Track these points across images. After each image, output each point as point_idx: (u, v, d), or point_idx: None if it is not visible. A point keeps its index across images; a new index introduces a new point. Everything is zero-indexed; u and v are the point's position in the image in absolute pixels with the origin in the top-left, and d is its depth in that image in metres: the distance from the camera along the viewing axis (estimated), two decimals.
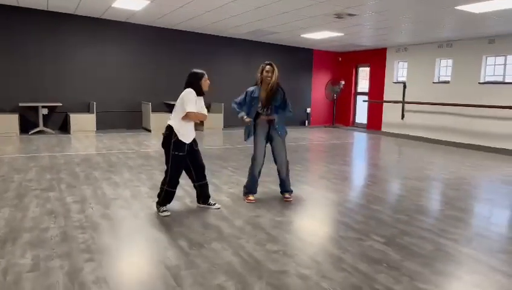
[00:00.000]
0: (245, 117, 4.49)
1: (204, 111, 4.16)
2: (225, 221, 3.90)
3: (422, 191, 5.48)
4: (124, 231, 3.60)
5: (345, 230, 3.74)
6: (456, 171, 6.83)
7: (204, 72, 4.06)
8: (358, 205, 4.67)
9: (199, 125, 11.73)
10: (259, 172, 4.65)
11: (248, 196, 4.61)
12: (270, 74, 4.37)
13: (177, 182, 4.11)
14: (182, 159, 4.04)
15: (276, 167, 4.72)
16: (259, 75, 4.46)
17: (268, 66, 4.41)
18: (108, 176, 5.63)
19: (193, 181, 4.28)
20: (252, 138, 4.61)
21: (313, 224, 4.07)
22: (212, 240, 3.40)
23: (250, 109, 4.51)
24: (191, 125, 4.09)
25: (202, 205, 4.32)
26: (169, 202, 4.14)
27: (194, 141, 4.16)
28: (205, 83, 4.05)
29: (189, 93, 3.95)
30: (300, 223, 4.07)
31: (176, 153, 3.96)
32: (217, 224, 3.81)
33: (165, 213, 4.03)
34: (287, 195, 4.72)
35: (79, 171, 5.84)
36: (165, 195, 4.06)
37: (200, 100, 4.09)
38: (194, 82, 4.01)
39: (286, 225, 3.85)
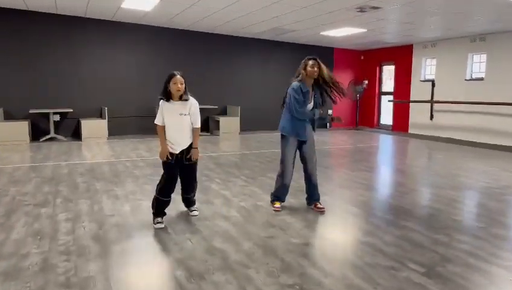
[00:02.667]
0: (317, 111, 4.20)
1: (182, 119, 3.65)
2: (233, 243, 3.36)
3: (459, 203, 4.81)
4: (114, 257, 3.09)
5: (373, 255, 3.15)
6: (497, 178, 6.10)
7: (174, 73, 3.60)
8: (385, 221, 4.05)
9: (215, 129, 11.29)
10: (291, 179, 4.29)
11: (275, 203, 4.32)
12: (316, 68, 4.04)
13: (169, 192, 3.77)
14: (172, 167, 3.72)
15: (303, 173, 4.33)
16: (302, 71, 4.10)
17: (311, 61, 4.06)
18: (111, 187, 5.17)
19: (182, 191, 4.04)
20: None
21: (333, 247, 3.46)
22: (215, 270, 2.86)
23: (303, 107, 4.13)
24: (176, 136, 3.68)
25: (190, 210, 4.11)
26: (162, 212, 3.81)
27: (187, 152, 3.73)
28: (173, 87, 3.57)
29: (160, 104, 3.68)
30: (319, 246, 3.47)
31: (164, 159, 3.70)
32: (223, 248, 3.27)
33: (159, 225, 3.70)
34: (319, 204, 4.29)
35: (80, 183, 5.41)
36: (157, 204, 3.76)
37: (173, 106, 3.63)
38: (164, 86, 3.63)
39: (302, 249, 3.28)
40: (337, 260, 3.14)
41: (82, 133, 9.54)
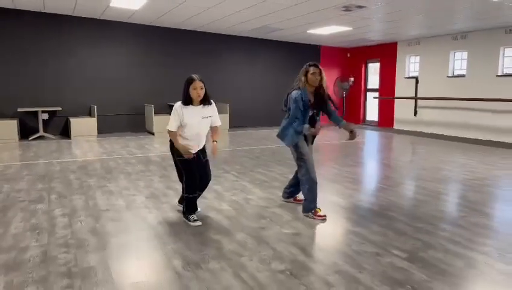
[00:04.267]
0: (309, 128, 3.97)
1: (203, 123, 3.68)
2: (226, 234, 3.50)
3: (441, 194, 5.03)
4: (112, 249, 3.21)
5: (360, 243, 3.32)
6: (477, 171, 6.35)
7: (193, 78, 3.54)
8: (372, 212, 4.24)
9: None
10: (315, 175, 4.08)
11: (316, 211, 3.99)
12: (317, 76, 3.94)
13: (196, 187, 3.78)
14: (191, 162, 3.68)
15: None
16: (302, 77, 3.99)
17: (313, 68, 3.95)
18: (104, 183, 5.27)
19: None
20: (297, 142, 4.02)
21: (322, 236, 3.65)
22: (210, 259, 3.00)
23: (305, 115, 3.96)
24: (196, 138, 3.72)
25: (180, 205, 4.10)
26: (195, 209, 3.87)
27: (202, 151, 3.84)
28: (193, 92, 3.53)
29: (174, 109, 3.58)
30: (309, 236, 3.63)
31: (180, 157, 3.67)
32: (217, 238, 3.41)
33: (196, 223, 3.72)
34: (299, 197, 4.41)
35: (73, 179, 5.49)
36: (188, 202, 3.79)
37: (195, 110, 3.59)
38: (183, 90, 3.57)
39: (293, 238, 3.44)
40: (326, 248, 3.32)
41: (71, 131, 9.56)
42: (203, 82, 3.57)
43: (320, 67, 4.00)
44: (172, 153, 3.80)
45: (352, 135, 4.02)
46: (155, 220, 3.88)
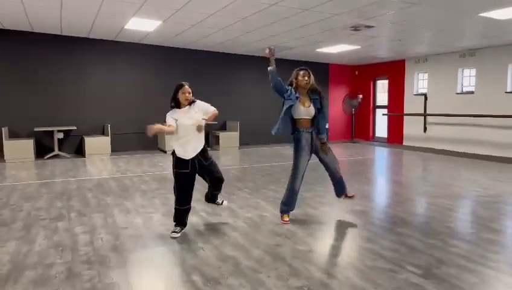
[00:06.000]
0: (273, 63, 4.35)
1: (190, 122, 3.93)
2: (242, 251, 3.60)
3: (452, 211, 5.08)
4: (133, 265, 3.33)
5: (373, 259, 3.40)
6: (487, 187, 6.39)
7: (182, 84, 3.96)
8: (383, 228, 4.31)
9: (215, 144, 11.55)
10: (299, 186, 4.46)
11: (283, 216, 4.48)
12: (306, 78, 4.34)
13: (186, 200, 4.00)
14: (184, 176, 3.93)
15: (328, 172, 4.73)
16: (294, 80, 4.41)
17: (302, 71, 4.38)
18: (120, 201, 5.41)
19: (208, 188, 4.37)
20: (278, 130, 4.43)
21: (336, 253, 3.74)
22: (229, 275, 3.10)
23: (290, 108, 4.36)
24: (186, 142, 3.94)
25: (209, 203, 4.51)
26: (182, 222, 4.05)
27: (202, 155, 4.01)
28: (181, 96, 3.93)
29: (167, 115, 3.96)
30: (323, 252, 3.73)
31: (176, 170, 3.95)
32: (234, 255, 3.51)
33: (173, 235, 3.96)
34: (349, 194, 4.84)
35: (91, 198, 5.64)
36: (175, 213, 4.03)
37: (183, 111, 3.95)
38: (173, 94, 3.97)
39: (308, 255, 3.53)
40: (340, 264, 3.39)
41: (86, 149, 9.77)
42: (191, 88, 3.98)
43: (308, 70, 4.40)
44: (172, 166, 4.04)
45: (323, 147, 4.49)
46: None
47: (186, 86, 3.94)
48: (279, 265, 3.29)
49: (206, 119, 4.08)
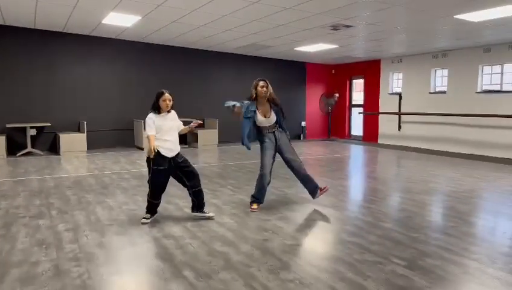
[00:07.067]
0: (237, 105, 4.83)
1: (173, 125, 4.26)
2: (232, 246, 3.61)
3: (431, 206, 5.26)
4: (122, 261, 3.30)
5: (360, 253, 3.48)
6: (462, 183, 6.63)
7: (163, 91, 4.20)
8: (367, 223, 4.41)
9: (194, 142, 11.48)
10: (269, 183, 4.81)
11: (252, 205, 4.80)
12: (265, 89, 4.71)
13: (160, 195, 4.31)
14: (163, 173, 4.17)
15: (293, 172, 4.98)
16: (253, 90, 4.76)
17: (262, 82, 4.75)
18: (102, 199, 5.32)
19: (188, 188, 4.37)
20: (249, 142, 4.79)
21: (323, 247, 3.80)
22: (220, 269, 3.11)
23: (250, 123, 4.78)
24: (171, 142, 4.18)
25: (196, 214, 4.43)
26: (154, 212, 4.35)
27: (177, 155, 4.25)
28: (162, 103, 4.17)
29: (148, 118, 4.16)
30: (311, 246, 3.79)
31: (156, 167, 4.13)
32: (224, 250, 3.52)
33: (144, 220, 4.26)
34: (322, 188, 5.04)
35: (70, 195, 5.52)
36: (149, 205, 4.32)
37: (166, 117, 4.21)
38: (154, 101, 4.19)
39: (296, 249, 3.58)
40: (329, 258, 3.46)
41: (60, 147, 9.52)
42: (171, 95, 4.23)
43: (267, 81, 4.77)
44: (148, 163, 4.21)
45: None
46: (159, 233, 3.96)
47: (167, 94, 4.19)
48: (268, 259, 3.32)
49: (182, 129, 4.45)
